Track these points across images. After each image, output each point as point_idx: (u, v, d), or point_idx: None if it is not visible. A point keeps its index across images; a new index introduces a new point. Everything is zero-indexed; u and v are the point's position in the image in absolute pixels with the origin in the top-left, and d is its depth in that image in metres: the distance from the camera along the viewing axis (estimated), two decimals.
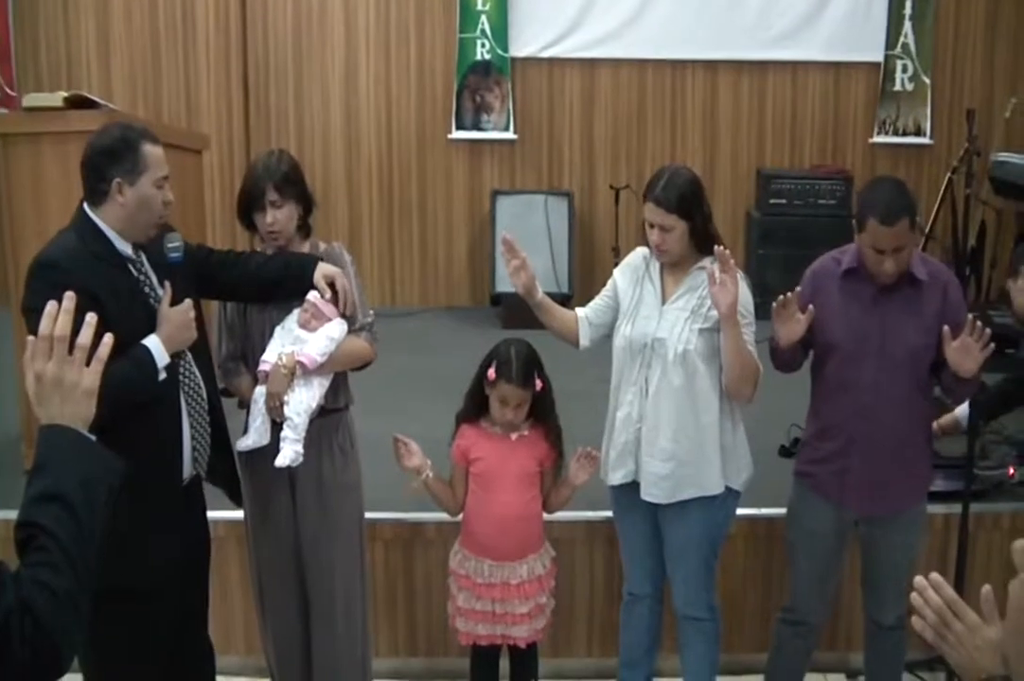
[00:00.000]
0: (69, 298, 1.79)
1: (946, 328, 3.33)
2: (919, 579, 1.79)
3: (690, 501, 3.56)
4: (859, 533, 3.73)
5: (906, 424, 3.54)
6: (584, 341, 3.71)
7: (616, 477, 3.64)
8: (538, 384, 3.53)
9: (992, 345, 3.31)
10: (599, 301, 3.74)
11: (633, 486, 3.63)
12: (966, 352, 3.32)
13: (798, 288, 3.50)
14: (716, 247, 3.38)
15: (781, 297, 3.43)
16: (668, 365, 3.49)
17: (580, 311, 3.74)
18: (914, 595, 1.79)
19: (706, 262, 3.52)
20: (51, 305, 1.78)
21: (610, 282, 3.74)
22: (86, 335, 1.80)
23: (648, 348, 3.53)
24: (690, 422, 3.52)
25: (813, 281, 3.60)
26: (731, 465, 3.59)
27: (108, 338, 1.85)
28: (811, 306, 3.45)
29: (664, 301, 3.57)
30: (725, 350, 3.45)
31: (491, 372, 3.53)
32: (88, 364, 1.81)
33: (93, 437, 1.82)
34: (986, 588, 1.67)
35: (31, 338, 1.79)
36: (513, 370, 3.51)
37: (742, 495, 3.71)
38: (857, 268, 3.51)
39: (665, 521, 3.65)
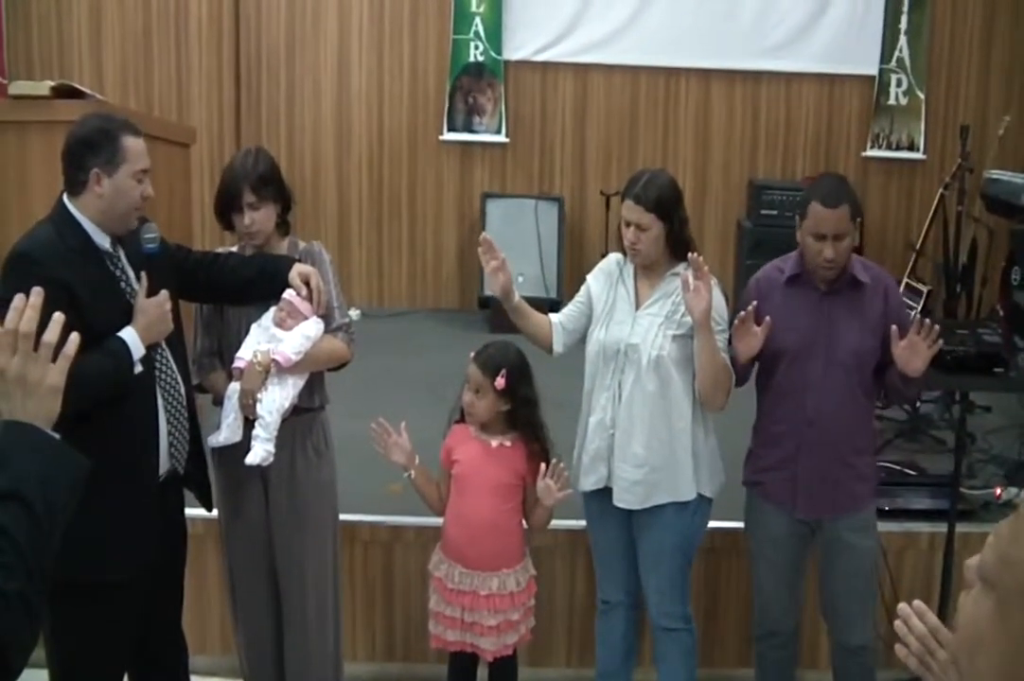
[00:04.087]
0: (36, 293, 1.74)
1: (894, 328, 3.36)
2: (903, 606, 1.76)
3: (663, 507, 3.55)
4: (816, 547, 3.70)
5: (852, 426, 3.57)
6: (558, 347, 3.70)
7: (588, 483, 3.62)
8: (500, 382, 3.47)
9: (940, 342, 3.36)
10: (572, 307, 3.74)
11: (605, 492, 3.61)
12: (913, 351, 3.35)
13: (754, 303, 3.48)
14: (690, 254, 3.38)
15: (741, 313, 3.45)
16: (642, 371, 3.49)
17: (554, 317, 3.73)
18: (898, 623, 1.76)
19: (680, 268, 3.52)
20: (18, 299, 1.73)
21: (584, 287, 3.74)
22: (53, 332, 1.75)
23: (621, 354, 3.52)
24: (663, 428, 3.51)
25: (757, 290, 3.62)
26: (703, 472, 3.58)
27: (75, 336, 1.80)
28: (768, 318, 3.46)
29: (638, 307, 3.58)
30: (698, 357, 3.46)
31: (471, 355, 3.55)
32: (55, 361, 1.76)
33: (57, 436, 1.77)
34: None
35: None
36: (484, 354, 3.52)
37: (721, 506, 3.70)
38: (800, 274, 3.55)
39: (638, 528, 3.63)
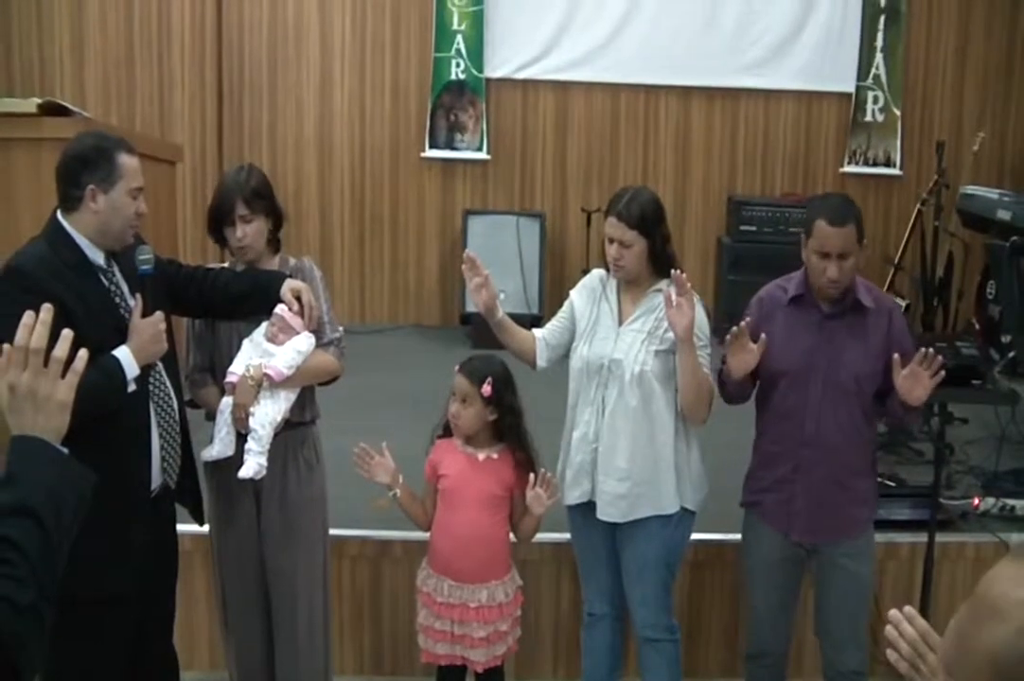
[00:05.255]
0: (47, 310, 1.77)
1: (896, 356, 3.34)
2: (893, 612, 1.80)
3: (646, 520, 3.58)
4: (811, 571, 3.71)
5: (850, 451, 3.54)
6: (541, 362, 3.73)
7: (572, 497, 3.65)
8: (487, 389, 3.51)
9: (942, 373, 3.33)
10: (556, 322, 3.77)
11: (589, 506, 3.64)
12: (916, 380, 3.33)
13: (748, 318, 3.50)
14: (673, 270, 3.41)
15: (734, 328, 3.44)
16: (625, 386, 3.52)
17: (538, 332, 3.76)
18: (888, 628, 1.79)
19: (663, 284, 3.55)
20: (28, 316, 1.76)
21: (567, 303, 3.77)
22: (62, 348, 1.79)
23: (605, 369, 3.55)
24: (646, 442, 3.54)
25: (760, 309, 3.62)
26: (686, 485, 3.61)
27: (83, 352, 1.84)
28: (763, 335, 3.45)
29: (621, 322, 3.61)
30: (681, 372, 3.48)
31: (456, 367, 3.58)
32: (63, 377, 1.79)
33: (65, 450, 1.80)
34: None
35: (6, 347, 1.77)
36: (470, 363, 3.56)
37: (704, 519, 3.74)
38: (803, 295, 3.53)
39: (622, 541, 3.66)
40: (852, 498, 3.58)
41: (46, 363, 1.77)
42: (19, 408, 1.77)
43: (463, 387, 3.53)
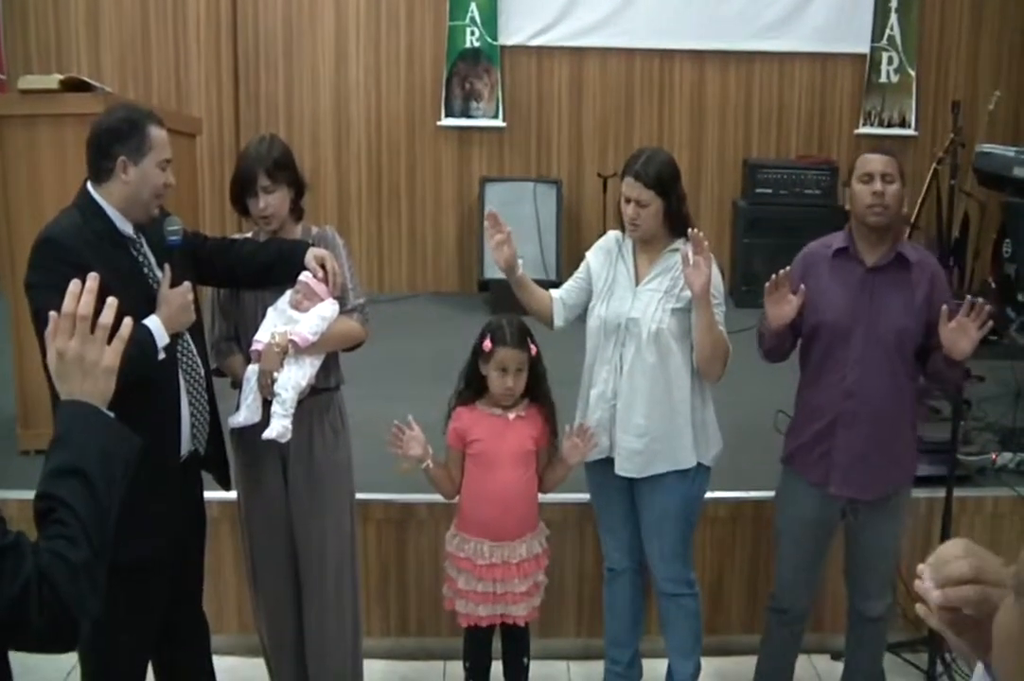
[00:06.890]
0: (93, 278, 1.83)
1: (944, 307, 3.34)
2: (923, 566, 1.82)
3: (663, 476, 3.64)
4: (845, 521, 3.74)
5: (890, 406, 3.56)
6: (558, 321, 3.79)
7: (591, 453, 3.70)
8: (532, 348, 3.57)
9: (990, 323, 3.32)
10: (572, 283, 3.82)
11: (607, 462, 3.70)
12: (962, 332, 3.32)
13: (788, 268, 3.53)
14: (690, 230, 3.46)
15: (773, 276, 3.47)
16: (642, 344, 3.57)
17: (555, 292, 3.81)
18: (918, 582, 1.82)
19: (679, 244, 3.61)
20: (75, 284, 1.82)
21: (583, 264, 3.82)
22: (108, 315, 1.85)
23: (622, 328, 3.61)
24: (663, 399, 3.60)
25: (803, 262, 3.65)
26: (702, 441, 3.67)
27: (128, 320, 1.90)
28: (803, 287, 3.49)
29: (637, 282, 3.66)
30: (697, 330, 3.54)
31: (487, 343, 3.57)
32: (109, 343, 1.86)
33: (111, 414, 1.86)
34: None
35: (53, 314, 1.83)
36: (507, 333, 3.57)
37: (723, 476, 3.80)
38: (847, 248, 3.56)
39: (640, 496, 3.73)
40: (891, 455, 3.60)
41: (92, 330, 1.84)
42: (67, 374, 1.83)
43: (517, 358, 3.55)
